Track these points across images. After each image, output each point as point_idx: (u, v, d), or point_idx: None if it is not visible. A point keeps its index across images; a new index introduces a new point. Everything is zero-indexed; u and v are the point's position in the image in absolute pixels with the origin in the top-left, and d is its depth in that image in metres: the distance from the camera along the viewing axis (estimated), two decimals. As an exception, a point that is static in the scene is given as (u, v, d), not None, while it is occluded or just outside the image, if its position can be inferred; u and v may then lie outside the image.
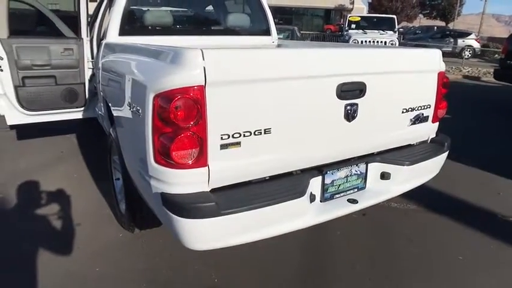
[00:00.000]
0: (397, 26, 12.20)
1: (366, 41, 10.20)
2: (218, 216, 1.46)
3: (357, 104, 1.90)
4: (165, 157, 1.47)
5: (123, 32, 2.93)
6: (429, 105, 2.35)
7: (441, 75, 2.33)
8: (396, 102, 2.16)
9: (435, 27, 26.63)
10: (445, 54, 2.57)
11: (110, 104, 2.21)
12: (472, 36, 20.19)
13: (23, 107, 3.48)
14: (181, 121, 1.41)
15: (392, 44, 10.57)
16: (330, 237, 2.53)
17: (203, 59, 1.39)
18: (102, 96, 2.81)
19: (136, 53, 1.90)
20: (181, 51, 1.43)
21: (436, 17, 34.01)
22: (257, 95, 1.56)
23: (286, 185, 1.70)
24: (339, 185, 1.97)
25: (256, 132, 1.58)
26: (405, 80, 2.17)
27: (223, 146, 1.52)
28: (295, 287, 2.09)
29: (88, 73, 3.73)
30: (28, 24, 4.08)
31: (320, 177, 1.87)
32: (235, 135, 1.53)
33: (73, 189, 3.17)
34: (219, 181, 1.57)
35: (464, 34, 20.66)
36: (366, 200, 2.04)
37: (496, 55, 19.49)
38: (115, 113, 2.10)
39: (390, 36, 11.02)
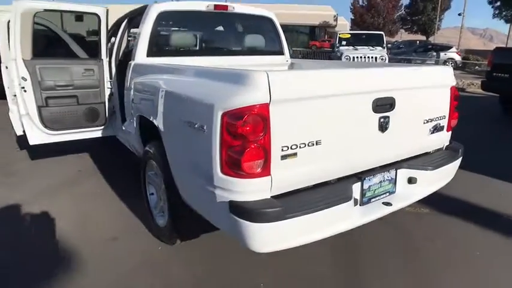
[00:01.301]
0: (385, 42, 12.75)
1: (357, 57, 10.60)
2: (283, 220, 1.61)
3: (388, 117, 2.10)
4: (234, 168, 1.61)
5: (150, 53, 3.08)
6: (444, 116, 2.57)
7: (453, 89, 2.57)
8: (419, 114, 2.37)
9: (417, 42, 27.74)
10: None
11: (154, 122, 2.33)
12: (453, 49, 21.11)
13: (46, 126, 3.57)
14: (250, 135, 1.57)
15: (382, 59, 11.01)
16: (356, 240, 2.68)
17: (268, 80, 1.56)
18: (133, 114, 2.93)
19: (194, 75, 2.06)
20: (249, 74, 1.59)
21: (416, 31, 35.37)
22: (310, 111, 1.74)
23: (334, 191, 1.87)
24: (375, 190, 2.15)
25: (309, 144, 1.75)
26: (425, 94, 2.39)
27: (283, 157, 1.68)
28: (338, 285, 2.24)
29: (107, 93, 3.85)
30: (45, 46, 4.20)
31: (359, 183, 2.04)
32: (293, 147, 1.70)
33: (101, 206, 3.26)
34: (279, 189, 1.72)
35: (445, 47, 21.58)
36: (397, 203, 2.22)
37: (477, 67, 20.40)
38: (163, 131, 2.23)
39: (380, 51, 11.50)
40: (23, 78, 3.41)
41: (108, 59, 3.83)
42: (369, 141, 2.07)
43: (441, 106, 2.54)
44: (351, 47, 11.46)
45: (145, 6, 3.39)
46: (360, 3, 37.12)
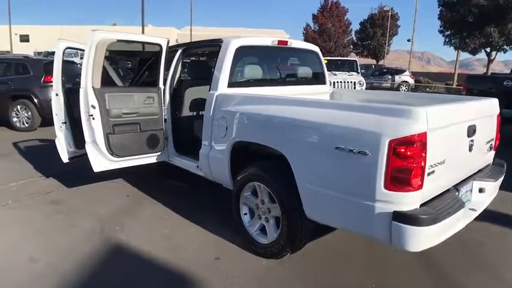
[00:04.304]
0: (359, 68, 13.86)
1: (337, 82, 11.42)
2: (435, 223, 2.02)
3: (473, 140, 2.59)
4: (399, 184, 2.00)
5: (230, 84, 3.35)
6: (493, 137, 3.13)
7: (498, 116, 3.15)
8: (485, 136, 2.91)
9: (373, 66, 30.07)
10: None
11: (272, 147, 2.63)
12: (407, 73, 23.24)
13: (112, 153, 3.64)
14: (416, 157, 1.97)
15: (360, 83, 11.98)
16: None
17: (426, 114, 1.98)
18: (223, 141, 3.16)
19: (335, 107, 2.41)
20: (413, 109, 2.01)
21: (367, 55, 38.25)
22: (443, 136, 2.21)
23: (453, 199, 2.30)
24: (464, 198, 2.61)
25: (440, 162, 2.20)
26: (487, 121, 2.94)
27: (429, 173, 2.10)
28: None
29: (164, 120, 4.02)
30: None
31: (458, 193, 2.51)
32: (433, 165, 2.13)
33: (179, 230, 3.38)
34: (423, 199, 2.13)
35: (399, 71, 23.69)
36: (478, 209, 2.70)
37: (428, 89, 22.57)
38: (293, 155, 2.52)
39: (357, 76, 12.49)
40: (92, 106, 3.49)
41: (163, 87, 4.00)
42: (463, 158, 2.56)
43: (492, 130, 3.11)
44: (329, 72, 12.28)
45: (211, 41, 3.68)
46: (312, 28, 39.56)
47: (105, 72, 3.98)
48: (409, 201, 2.03)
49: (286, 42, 3.81)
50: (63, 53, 4.06)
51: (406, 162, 1.97)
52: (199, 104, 4.22)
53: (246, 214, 3.06)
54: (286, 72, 4.13)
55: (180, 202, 4.02)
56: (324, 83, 4.37)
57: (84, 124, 3.54)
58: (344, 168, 2.21)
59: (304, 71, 4.14)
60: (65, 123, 4.12)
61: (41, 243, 3.07)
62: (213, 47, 3.59)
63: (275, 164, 2.77)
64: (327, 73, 4.44)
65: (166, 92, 4.03)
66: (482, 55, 27.84)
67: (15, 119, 7.91)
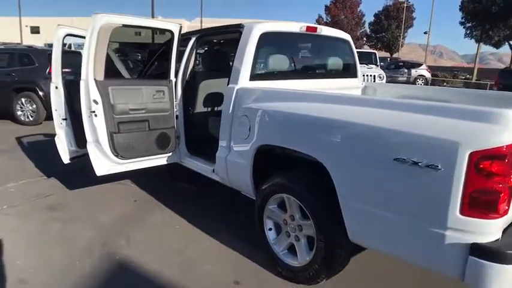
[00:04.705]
0: (378, 60, 13.21)
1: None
2: None
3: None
4: (481, 209, 1.52)
5: (253, 77, 2.89)
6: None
7: None
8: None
9: (388, 59, 29.18)
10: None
11: (310, 155, 2.15)
12: (424, 66, 22.40)
13: (117, 155, 3.22)
14: (505, 176, 1.48)
15: (380, 77, 11.37)
16: None
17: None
18: (244, 143, 2.71)
19: (399, 108, 1.89)
20: (502, 112, 1.52)
21: (381, 48, 37.23)
22: None
23: None
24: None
25: None
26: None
27: None
28: None
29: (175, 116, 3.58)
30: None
31: None
32: None
33: (192, 243, 2.96)
34: (503, 227, 1.64)
35: (416, 65, 22.84)
36: None
37: (445, 83, 21.74)
38: (336, 166, 2.05)
39: (376, 69, 11.87)
40: (94, 101, 3.06)
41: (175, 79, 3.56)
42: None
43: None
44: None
45: (230, 27, 3.21)
46: (324, 19, 38.59)
47: (109, 62, 3.57)
48: (490, 230, 1.56)
49: (315, 29, 3.32)
50: (63, 40, 3.63)
51: (491, 181, 1.50)
52: (215, 99, 3.78)
53: (271, 230, 2.62)
54: (315, 63, 3.64)
55: (193, 208, 3.60)
56: (355, 76, 3.88)
57: (86, 122, 3.11)
58: (405, 185, 1.73)
59: (334, 62, 3.64)
60: (66, 119, 3.70)
61: (34, 260, 2.66)
62: (233, 33, 3.13)
63: (310, 174, 2.32)
64: (359, 65, 3.94)
65: (178, 85, 3.59)
66: (489, 48, 26.63)
67: (19, 113, 7.57)
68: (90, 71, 3.02)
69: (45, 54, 7.61)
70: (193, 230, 3.18)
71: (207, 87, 3.79)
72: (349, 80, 3.76)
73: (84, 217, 3.39)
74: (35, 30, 46.08)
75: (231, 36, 3.22)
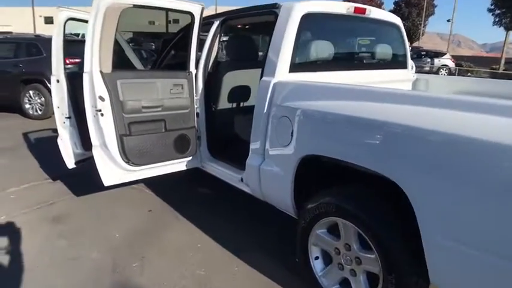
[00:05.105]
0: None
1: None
2: None
3: None
4: None
5: (292, 68, 2.34)
6: None
7: None
8: None
9: (410, 47, 27.96)
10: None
11: (395, 179, 1.59)
12: (447, 56, 21.30)
13: (128, 161, 2.71)
14: None
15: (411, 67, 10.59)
16: None
17: None
18: (283, 151, 2.17)
19: None
20: None
21: (400, 37, 35.82)
22: None
23: None
24: None
25: None
26: None
27: None
28: None
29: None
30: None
31: None
32: None
33: (221, 268, 2.46)
34: None
35: (439, 54, 21.75)
36: None
37: (469, 73, 20.68)
38: (422, 187, 1.50)
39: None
40: (100, 97, 2.54)
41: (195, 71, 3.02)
42: None
43: None
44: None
45: (262, 8, 2.65)
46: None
47: (119, 51, 3.06)
48: None
49: (364, 10, 2.73)
50: (65, 25, 3.13)
51: None
52: (241, 93, 3.25)
53: (317, 258, 2.09)
54: (362, 51, 3.05)
55: (217, 220, 3.10)
56: (405, 66, 3.28)
57: (90, 122, 2.61)
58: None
59: (384, 50, 3.05)
60: (70, 118, 3.21)
61: (29, 291, 2.21)
62: (266, 15, 2.57)
63: (377, 194, 1.77)
64: (409, 54, 3.34)
65: (198, 78, 3.06)
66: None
67: (27, 106, 7.17)
68: (95, 61, 2.51)
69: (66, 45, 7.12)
70: (219, 251, 2.68)
71: (233, 79, 3.24)
72: (399, 72, 3.17)
73: (91, 232, 2.92)
74: (48, 20, 45.92)
75: (264, 18, 2.67)
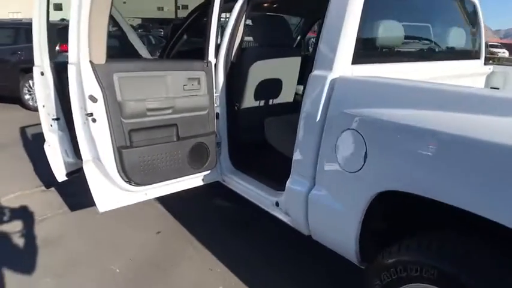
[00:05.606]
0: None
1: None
2: None
3: None
4: None
5: (357, 59, 1.64)
6: None
7: None
8: None
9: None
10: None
11: None
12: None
13: (128, 180, 2.07)
14: None
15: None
16: None
17: None
18: (353, 184, 1.50)
19: None
20: None
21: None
22: None
23: None
24: None
25: None
26: None
27: None
28: None
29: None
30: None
31: None
32: None
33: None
34: None
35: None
36: None
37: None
38: None
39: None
40: (91, 97, 1.89)
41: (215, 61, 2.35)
42: None
43: None
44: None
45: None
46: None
47: (116, 34, 2.39)
48: None
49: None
50: (48, 2, 2.47)
51: None
52: (272, 89, 2.58)
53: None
54: (433, 37, 2.31)
55: (240, 245, 2.51)
56: (478, 56, 2.56)
57: (79, 131, 1.97)
58: None
59: (458, 35, 2.33)
60: (58, 119, 2.58)
61: None
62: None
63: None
64: (484, 41, 2.61)
65: (219, 70, 2.39)
66: None
67: (27, 96, 6.61)
68: (83, 48, 1.84)
69: (53, 29, 6.49)
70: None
71: (261, 71, 2.55)
72: (472, 63, 2.45)
73: (87, 262, 2.33)
74: (57, 7, 45.30)
75: None
